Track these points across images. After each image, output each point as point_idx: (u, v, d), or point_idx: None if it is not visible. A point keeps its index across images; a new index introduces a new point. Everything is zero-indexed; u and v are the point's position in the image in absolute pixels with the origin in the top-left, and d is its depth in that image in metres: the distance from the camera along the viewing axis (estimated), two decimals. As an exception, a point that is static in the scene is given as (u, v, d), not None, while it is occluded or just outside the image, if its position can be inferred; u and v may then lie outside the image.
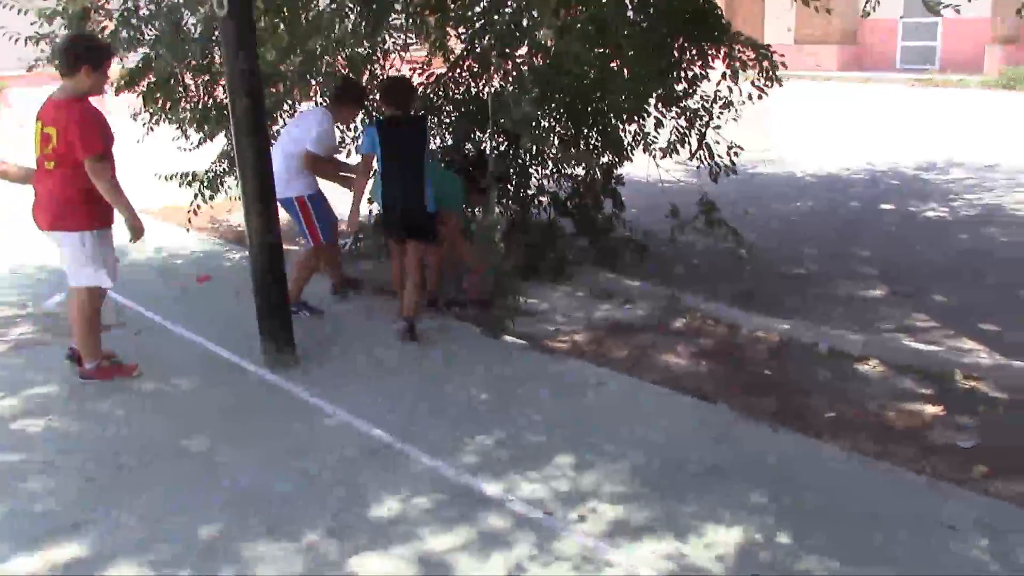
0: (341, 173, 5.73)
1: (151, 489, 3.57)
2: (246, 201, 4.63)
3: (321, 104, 6.34)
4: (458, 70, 6.45)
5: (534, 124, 5.20)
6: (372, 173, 5.33)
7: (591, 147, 6.26)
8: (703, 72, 5.88)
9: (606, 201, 6.57)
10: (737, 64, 5.82)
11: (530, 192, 6.48)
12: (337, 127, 5.95)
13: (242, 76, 4.46)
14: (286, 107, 6.68)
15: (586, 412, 4.25)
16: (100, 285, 4.53)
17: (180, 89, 6.33)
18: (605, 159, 6.28)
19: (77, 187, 4.32)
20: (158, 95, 6.23)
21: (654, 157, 6.24)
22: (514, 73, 5.25)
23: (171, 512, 3.39)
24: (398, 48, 6.75)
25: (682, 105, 5.87)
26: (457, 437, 3.96)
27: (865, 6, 5.73)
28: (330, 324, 5.58)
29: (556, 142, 6.12)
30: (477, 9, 5.96)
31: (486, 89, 6.01)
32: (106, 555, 3.12)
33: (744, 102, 5.86)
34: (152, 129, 6.57)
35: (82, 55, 4.30)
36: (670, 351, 5.13)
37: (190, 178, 6.70)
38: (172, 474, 3.70)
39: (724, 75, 5.81)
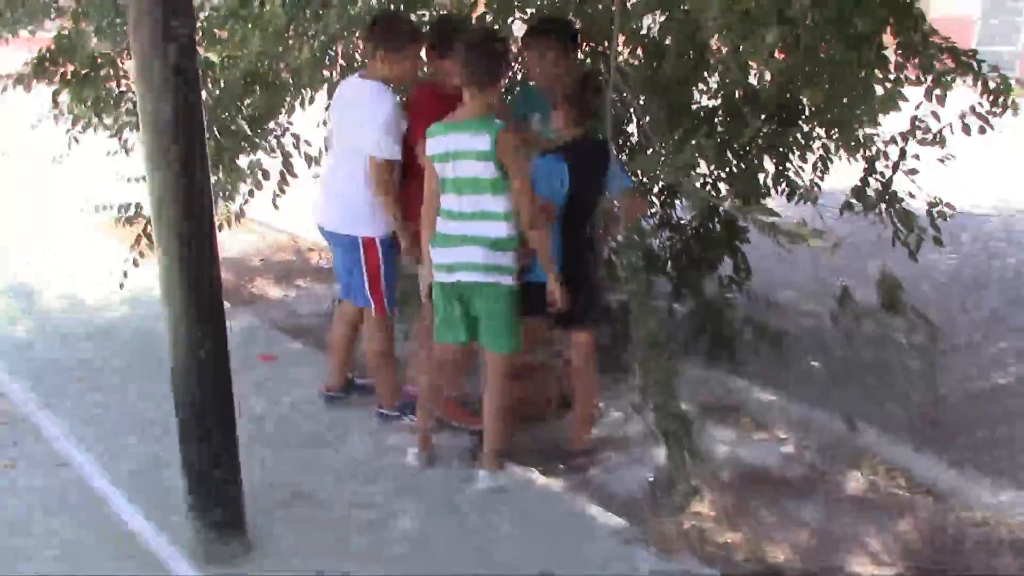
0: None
1: None
2: (163, 285, 2.68)
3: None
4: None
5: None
6: None
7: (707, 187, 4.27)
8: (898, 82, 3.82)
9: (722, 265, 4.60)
10: (942, 78, 3.75)
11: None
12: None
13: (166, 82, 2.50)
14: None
15: None
16: None
17: (115, 82, 4.36)
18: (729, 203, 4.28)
19: None
20: (83, 90, 4.26)
21: (812, 203, 4.26)
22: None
23: None
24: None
25: (858, 135, 3.86)
26: None
27: None
28: (322, 460, 3.59)
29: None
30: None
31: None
32: None
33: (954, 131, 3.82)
34: (76, 140, 4.55)
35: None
36: (860, 548, 3.15)
37: (131, 211, 4.52)
38: None
39: (928, 93, 3.74)
